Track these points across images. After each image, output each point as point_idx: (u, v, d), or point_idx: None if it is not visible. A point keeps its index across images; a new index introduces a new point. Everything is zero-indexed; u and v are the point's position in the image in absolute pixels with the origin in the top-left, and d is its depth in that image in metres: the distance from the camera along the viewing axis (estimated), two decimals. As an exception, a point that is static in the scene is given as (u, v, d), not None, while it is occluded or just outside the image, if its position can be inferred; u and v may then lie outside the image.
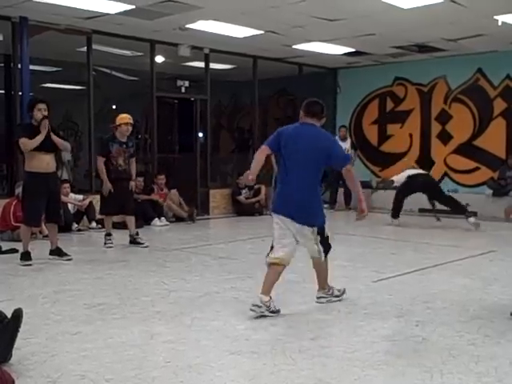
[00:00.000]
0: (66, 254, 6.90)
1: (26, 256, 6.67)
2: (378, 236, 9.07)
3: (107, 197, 7.83)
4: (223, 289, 5.52)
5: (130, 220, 8.11)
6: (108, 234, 7.92)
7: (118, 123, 7.86)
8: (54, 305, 4.92)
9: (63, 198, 8.46)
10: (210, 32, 9.89)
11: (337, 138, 12.79)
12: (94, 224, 9.49)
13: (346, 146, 12.60)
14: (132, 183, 8.06)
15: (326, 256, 4.91)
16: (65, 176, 12.60)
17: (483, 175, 11.85)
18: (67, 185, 9.56)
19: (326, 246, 4.89)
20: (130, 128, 7.94)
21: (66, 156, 12.73)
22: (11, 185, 9.53)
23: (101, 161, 7.81)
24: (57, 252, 6.90)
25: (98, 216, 9.04)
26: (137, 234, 8.14)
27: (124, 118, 7.92)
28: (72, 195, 9.55)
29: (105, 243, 7.86)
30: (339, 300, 5.03)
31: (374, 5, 8.23)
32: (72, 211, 9.41)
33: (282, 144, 4.72)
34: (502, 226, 10.14)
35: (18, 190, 7.69)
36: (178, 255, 7.41)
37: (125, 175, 7.92)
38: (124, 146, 7.90)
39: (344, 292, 5.13)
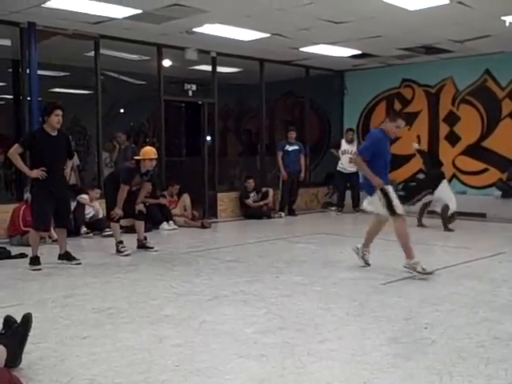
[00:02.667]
0: (74, 258, 6.92)
1: (35, 261, 6.70)
2: (387, 238, 9.02)
3: (112, 204, 7.74)
4: (231, 292, 5.52)
5: (140, 225, 8.12)
6: (120, 242, 7.72)
7: (142, 157, 7.72)
8: (63, 309, 4.94)
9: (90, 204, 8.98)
10: (216, 35, 9.91)
11: (343, 140, 12.80)
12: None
13: (353, 148, 12.59)
14: (137, 207, 7.95)
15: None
16: (73, 180, 12.64)
17: (492, 176, 11.80)
18: (98, 190, 9.57)
19: None
20: (155, 163, 7.83)
21: (75, 161, 12.77)
22: (20, 189, 9.58)
23: (126, 189, 7.61)
24: (66, 256, 6.93)
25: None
26: (145, 238, 8.15)
27: (149, 153, 7.75)
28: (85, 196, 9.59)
29: (120, 251, 7.63)
30: None
31: (379, 7, 8.22)
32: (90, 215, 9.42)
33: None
34: (510, 227, 10.10)
35: (27, 195, 7.73)
36: (186, 259, 7.42)
37: (132, 195, 7.87)
38: (144, 177, 7.85)
39: None
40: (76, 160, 12.81)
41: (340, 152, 12.67)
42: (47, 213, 6.71)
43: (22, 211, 8.31)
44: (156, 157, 7.87)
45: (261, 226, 10.73)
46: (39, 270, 6.60)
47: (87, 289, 5.72)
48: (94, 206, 9.51)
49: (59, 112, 6.61)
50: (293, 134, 12.35)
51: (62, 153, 6.80)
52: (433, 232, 9.83)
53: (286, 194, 12.32)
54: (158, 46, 10.72)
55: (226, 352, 3.83)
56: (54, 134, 6.68)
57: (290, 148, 12.28)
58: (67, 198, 7.13)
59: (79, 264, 6.87)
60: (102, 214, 9.44)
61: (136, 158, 7.89)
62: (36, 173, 6.56)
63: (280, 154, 12.25)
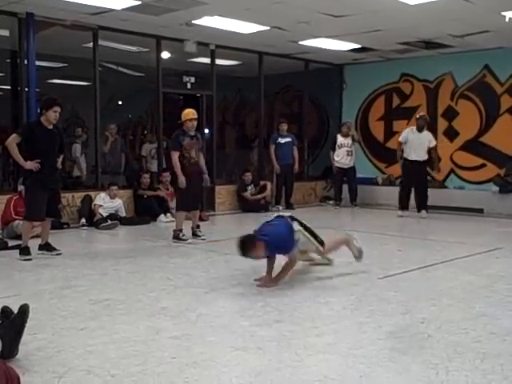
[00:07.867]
0: (54, 249, 6.90)
1: (25, 251, 6.69)
2: (385, 233, 9.06)
3: (186, 193, 7.90)
4: (229, 285, 5.52)
5: (196, 214, 8.30)
6: (180, 230, 7.97)
7: (183, 119, 7.99)
8: (60, 300, 4.94)
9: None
10: (215, 28, 9.88)
11: (339, 135, 12.71)
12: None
13: (348, 141, 12.53)
14: (206, 177, 8.34)
15: None
16: (76, 172, 12.62)
17: (490, 172, 11.79)
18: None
19: None
20: (195, 123, 8.06)
21: (76, 152, 12.74)
22: (17, 180, 9.56)
23: (176, 155, 7.88)
24: (45, 247, 6.91)
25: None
26: (197, 226, 8.30)
27: (188, 114, 8.02)
28: (102, 195, 9.64)
29: (180, 239, 7.88)
30: None
31: (380, 1, 8.20)
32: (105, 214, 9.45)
33: None
34: (508, 223, 10.12)
35: (21, 187, 7.71)
36: (184, 251, 7.42)
37: (197, 168, 8.13)
38: (194, 138, 8.07)
39: None
40: (76, 151, 12.79)
41: (336, 146, 12.52)
42: (40, 204, 6.70)
43: (13, 200, 8.30)
44: (195, 117, 8.06)
45: (258, 220, 10.66)
46: (29, 260, 6.60)
47: (84, 280, 5.72)
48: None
49: (57, 109, 6.70)
50: (284, 126, 12.21)
51: (56, 146, 6.87)
52: (430, 226, 9.85)
53: (280, 188, 12.24)
54: (156, 37, 10.68)
55: (222, 345, 3.84)
56: (50, 127, 6.76)
57: (282, 140, 12.15)
58: (59, 189, 7.17)
59: (60, 254, 6.85)
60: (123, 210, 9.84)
61: (179, 121, 8.12)
62: (31, 164, 6.59)
63: (273, 147, 12.13)
